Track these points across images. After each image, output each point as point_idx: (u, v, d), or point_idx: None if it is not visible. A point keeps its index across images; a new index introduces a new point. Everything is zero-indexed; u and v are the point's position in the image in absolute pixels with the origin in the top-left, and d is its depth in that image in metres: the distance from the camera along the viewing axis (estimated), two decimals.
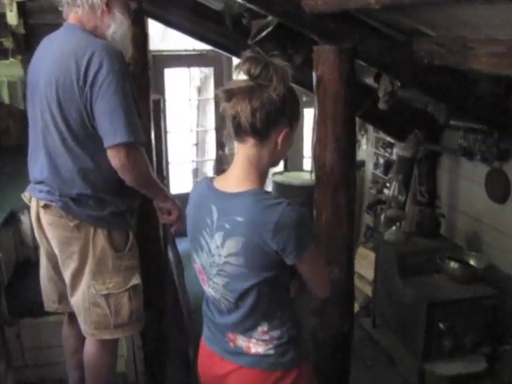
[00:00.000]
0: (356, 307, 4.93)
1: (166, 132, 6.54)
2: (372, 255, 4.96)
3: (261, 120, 1.68)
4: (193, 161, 7.43)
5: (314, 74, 2.73)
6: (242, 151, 1.77)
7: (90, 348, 2.61)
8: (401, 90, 4.14)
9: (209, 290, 1.90)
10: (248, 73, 1.69)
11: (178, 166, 7.28)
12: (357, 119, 5.77)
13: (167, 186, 6.35)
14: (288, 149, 1.83)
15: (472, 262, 4.34)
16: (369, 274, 5.01)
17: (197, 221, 1.86)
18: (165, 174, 3.53)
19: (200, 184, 1.92)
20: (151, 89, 4.87)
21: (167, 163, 6.69)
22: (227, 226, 1.73)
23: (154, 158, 3.07)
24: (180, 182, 7.04)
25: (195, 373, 2.11)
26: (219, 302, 1.87)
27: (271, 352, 1.86)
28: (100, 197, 2.44)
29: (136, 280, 2.54)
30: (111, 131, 2.29)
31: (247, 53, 1.73)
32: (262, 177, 1.80)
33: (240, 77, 1.71)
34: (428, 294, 4.05)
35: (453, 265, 4.24)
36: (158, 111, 3.46)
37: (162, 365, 3.31)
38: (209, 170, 7.47)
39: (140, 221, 2.74)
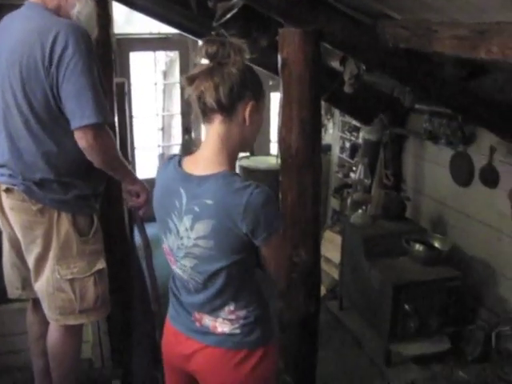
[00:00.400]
0: (323, 290, 4.97)
1: (131, 116, 6.46)
2: (338, 239, 4.99)
3: (224, 94, 1.69)
4: (159, 146, 7.36)
5: (279, 57, 2.72)
6: (212, 131, 1.77)
7: (54, 334, 2.57)
8: (366, 74, 4.16)
9: (177, 271, 1.90)
10: (206, 54, 1.70)
11: (144, 151, 7.22)
12: (323, 103, 5.85)
13: (133, 170, 6.30)
14: (257, 128, 1.85)
15: (437, 245, 4.40)
16: (335, 257, 5.05)
17: (165, 203, 1.85)
18: (130, 158, 3.48)
19: (167, 166, 1.90)
20: (115, 72, 4.82)
21: (133, 148, 6.63)
22: (196, 208, 1.73)
23: (118, 142, 3.02)
24: (146, 167, 6.99)
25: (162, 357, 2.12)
26: (187, 282, 1.88)
27: (237, 331, 1.88)
28: (64, 181, 2.39)
29: (101, 264, 2.51)
30: (78, 112, 2.24)
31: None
32: (231, 158, 1.81)
33: (202, 62, 1.73)
34: (393, 277, 4.10)
35: (418, 247, 4.30)
36: (122, 95, 3.40)
37: (129, 350, 3.29)
38: None
39: (104, 205, 2.70)
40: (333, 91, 4.51)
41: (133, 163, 6.53)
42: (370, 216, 4.72)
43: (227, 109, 1.73)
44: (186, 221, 1.76)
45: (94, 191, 2.50)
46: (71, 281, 2.45)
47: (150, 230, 5.55)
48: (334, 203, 6.22)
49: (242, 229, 1.70)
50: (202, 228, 1.73)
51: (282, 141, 2.77)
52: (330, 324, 4.73)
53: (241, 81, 1.71)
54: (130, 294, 3.29)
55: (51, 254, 2.44)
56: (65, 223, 2.42)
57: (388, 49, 3.02)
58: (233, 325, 1.88)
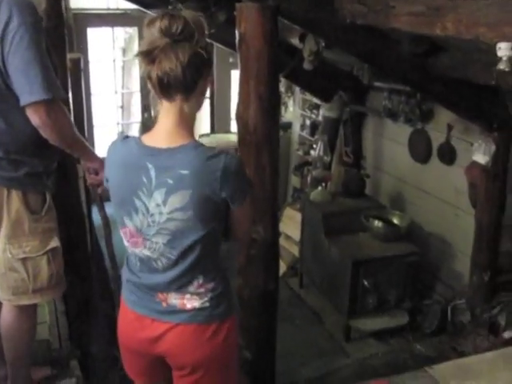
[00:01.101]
0: (283, 267, 5.00)
1: (89, 94, 6.35)
2: (299, 216, 5.02)
3: (191, 76, 1.67)
4: (118, 123, 7.26)
5: (236, 32, 2.68)
6: (172, 108, 1.74)
7: (7, 315, 2.51)
8: (326, 51, 4.15)
9: (143, 252, 1.85)
10: (167, 31, 1.64)
11: (104, 129, 7.09)
12: (284, 80, 5.83)
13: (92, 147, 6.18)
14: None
15: (395, 221, 4.46)
16: (296, 234, 5.08)
17: (128, 181, 1.79)
18: (87, 136, 3.40)
19: (124, 144, 1.84)
20: (72, 49, 4.71)
21: (91, 126, 6.52)
22: (170, 181, 1.70)
23: (73, 119, 2.94)
24: (106, 145, 6.86)
25: None
26: (155, 262, 1.84)
27: (207, 304, 1.87)
28: (13, 158, 2.31)
29: (54, 243, 2.44)
30: (27, 88, 2.16)
31: (160, 11, 1.70)
32: (191, 129, 1.81)
33: (152, 33, 1.66)
34: (353, 253, 4.15)
35: (377, 224, 4.35)
36: (78, 71, 3.31)
37: (87, 330, 3.25)
38: (135, 132, 7.32)
39: (60, 182, 2.64)
40: (292, 68, 4.49)
41: (91, 141, 6.43)
42: (329, 193, 4.75)
43: (191, 88, 1.71)
44: (158, 195, 1.72)
45: (46, 169, 2.42)
46: (23, 260, 2.39)
47: (109, 209, 5.55)
48: (294, 181, 6.24)
49: (221, 195, 1.72)
50: (178, 200, 1.70)
51: (239, 117, 2.74)
52: (291, 301, 4.77)
53: (206, 59, 1.70)
54: (87, 274, 3.24)
55: (2, 233, 2.36)
56: (15, 201, 2.34)
57: (346, 25, 3.01)
58: (202, 299, 1.87)
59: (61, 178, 2.78)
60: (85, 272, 3.20)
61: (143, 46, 1.67)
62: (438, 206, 4.53)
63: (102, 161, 2.50)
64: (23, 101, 2.15)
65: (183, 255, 1.80)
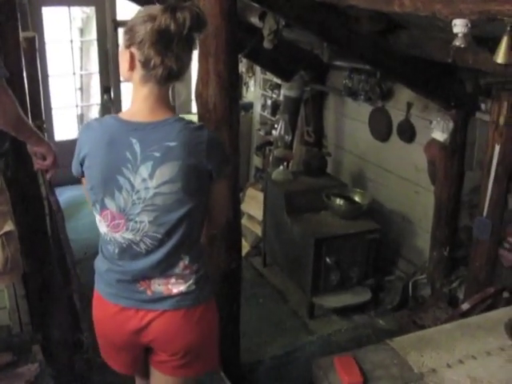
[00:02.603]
0: (246, 247, 5.02)
1: (46, 75, 6.22)
2: (261, 196, 5.03)
3: (185, 67, 1.72)
4: (77, 106, 7.12)
5: None
6: (154, 88, 1.74)
7: None
8: (286, 30, 4.14)
9: (124, 236, 1.80)
10: (182, 24, 1.63)
11: (62, 112, 6.96)
12: (244, 61, 5.80)
13: (50, 131, 6.08)
14: None
15: (357, 199, 4.50)
16: (258, 214, 5.09)
17: (110, 160, 1.74)
18: (45, 118, 3.32)
19: (100, 123, 1.80)
20: (27, 28, 4.59)
21: (49, 108, 6.39)
22: (157, 154, 1.69)
23: (29, 101, 2.87)
24: (65, 127, 6.76)
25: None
26: (137, 245, 1.80)
27: (193, 287, 1.86)
28: None
29: (8, 226, 2.38)
30: None
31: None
32: (171, 106, 1.83)
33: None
34: (315, 231, 4.18)
35: (338, 202, 4.38)
36: (33, 50, 3.22)
37: (48, 314, 3.21)
38: (94, 114, 7.20)
39: (15, 165, 2.59)
40: (253, 47, 4.46)
41: (50, 124, 6.31)
42: (291, 172, 4.76)
43: (179, 76, 1.74)
44: (144, 170, 1.70)
45: None
46: None
47: (70, 192, 5.48)
48: (256, 161, 6.24)
49: (207, 166, 1.75)
50: (166, 172, 1.70)
51: (198, 95, 2.72)
52: (255, 280, 4.79)
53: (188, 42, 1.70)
54: (47, 258, 3.20)
55: None
56: None
57: (305, 2, 3.00)
58: (187, 282, 1.85)
59: (17, 161, 2.72)
60: (44, 256, 3.15)
61: (153, 26, 1.65)
62: (399, 183, 4.59)
63: (49, 146, 2.43)
64: None
65: (169, 233, 1.78)
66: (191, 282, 1.85)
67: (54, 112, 6.62)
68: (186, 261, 1.84)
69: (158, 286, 1.84)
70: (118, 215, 1.79)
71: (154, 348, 1.96)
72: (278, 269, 4.85)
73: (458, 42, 2.24)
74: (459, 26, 2.18)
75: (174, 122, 1.74)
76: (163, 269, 1.83)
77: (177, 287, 1.84)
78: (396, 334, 2.88)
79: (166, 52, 1.65)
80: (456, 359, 1.99)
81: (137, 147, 1.71)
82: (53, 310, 3.23)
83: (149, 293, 1.85)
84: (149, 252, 1.81)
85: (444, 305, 3.78)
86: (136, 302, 1.86)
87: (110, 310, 1.91)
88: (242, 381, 3.43)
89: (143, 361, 2.05)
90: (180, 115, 1.82)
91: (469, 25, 2.16)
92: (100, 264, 1.93)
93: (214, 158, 1.76)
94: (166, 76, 1.69)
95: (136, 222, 1.77)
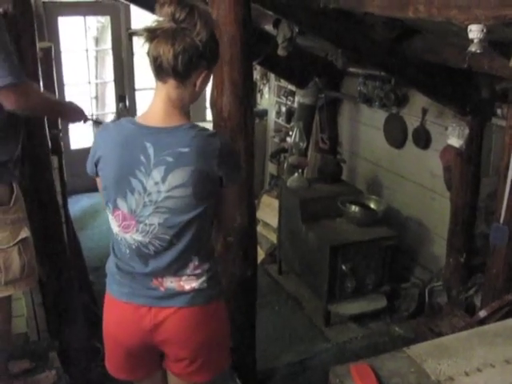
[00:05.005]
0: (262, 254, 5.01)
1: (62, 84, 6.27)
2: (276, 203, 5.03)
3: (182, 64, 1.69)
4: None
5: None
6: (164, 90, 1.78)
7: None
8: (300, 37, 4.14)
9: (133, 237, 1.83)
10: (172, 16, 1.67)
11: None
12: (259, 68, 5.82)
13: (65, 140, 6.11)
14: (205, 88, 1.90)
15: (372, 206, 4.49)
16: (274, 221, 5.09)
17: (124, 161, 1.78)
18: (60, 127, 3.35)
19: (117, 126, 1.84)
20: (43, 38, 4.63)
21: None
22: (169, 159, 1.73)
23: None
24: (79, 136, 6.80)
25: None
26: (146, 247, 1.83)
27: (205, 285, 1.89)
28: None
29: (25, 233, 2.41)
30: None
31: None
32: (186, 112, 1.85)
33: (162, 14, 1.69)
34: (330, 238, 4.16)
35: (353, 208, 4.37)
36: (49, 60, 3.26)
37: (65, 321, 3.23)
38: None
39: (33, 173, 2.61)
40: (267, 55, 4.47)
41: (66, 132, 6.36)
42: (306, 179, 4.75)
43: (181, 76, 1.74)
44: (157, 173, 1.74)
45: (12, 157, 2.38)
46: None
47: (88, 200, 5.52)
48: (271, 168, 6.25)
49: (218, 172, 1.79)
50: (178, 177, 1.73)
51: (213, 104, 2.73)
52: (270, 287, 4.78)
53: (201, 52, 1.70)
54: (64, 265, 3.21)
55: None
56: None
57: (319, 9, 3.00)
58: (199, 279, 1.88)
59: (34, 169, 2.75)
60: (61, 263, 3.17)
61: (151, 24, 1.71)
62: (414, 189, 4.57)
63: (81, 110, 2.58)
64: None
65: (178, 235, 1.81)
66: (203, 279, 1.89)
67: None
68: (196, 261, 1.88)
69: (171, 283, 1.88)
70: (129, 216, 1.83)
71: (165, 351, 1.97)
72: (293, 276, 4.84)
73: (473, 48, 2.24)
74: (475, 31, 2.17)
75: (190, 129, 1.77)
76: (175, 270, 1.87)
77: (189, 283, 1.88)
78: (412, 341, 2.85)
79: (156, 41, 1.70)
80: (474, 367, 1.96)
81: (151, 151, 1.75)
82: (70, 318, 3.24)
83: (162, 289, 1.88)
84: (157, 253, 1.84)
85: (461, 312, 3.75)
86: (149, 300, 1.89)
87: (123, 311, 1.93)
88: None
89: (149, 369, 2.06)
90: (194, 123, 1.85)
91: (484, 30, 2.15)
92: (111, 264, 1.96)
93: (225, 165, 1.79)
94: (156, 65, 1.73)
95: (146, 224, 1.81)
